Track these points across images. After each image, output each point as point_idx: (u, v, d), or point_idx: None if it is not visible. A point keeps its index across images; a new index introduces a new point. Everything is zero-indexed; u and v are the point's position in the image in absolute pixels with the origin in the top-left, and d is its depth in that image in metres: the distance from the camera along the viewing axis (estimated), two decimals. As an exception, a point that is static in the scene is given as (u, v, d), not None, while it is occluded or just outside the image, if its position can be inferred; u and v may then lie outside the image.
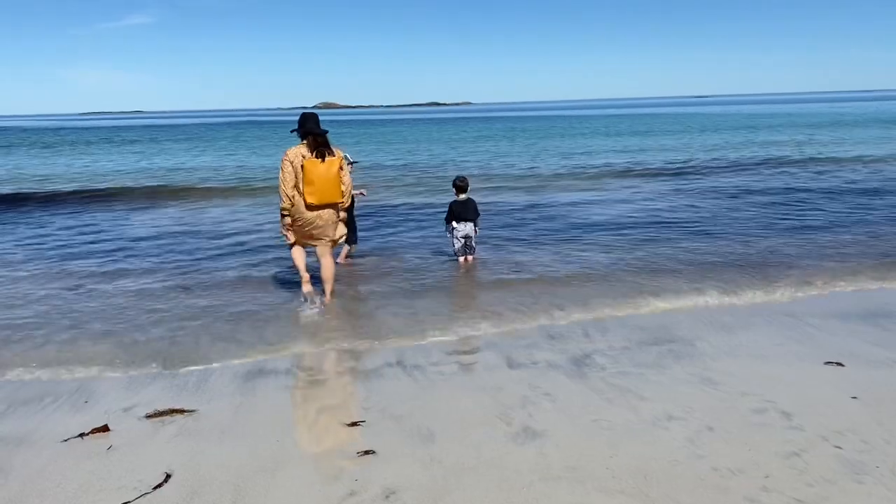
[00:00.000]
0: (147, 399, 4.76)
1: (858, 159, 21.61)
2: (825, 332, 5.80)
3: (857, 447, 3.73)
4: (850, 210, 12.45)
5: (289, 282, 7.91)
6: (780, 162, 21.63)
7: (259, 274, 8.49)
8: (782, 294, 7.12)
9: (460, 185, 8.97)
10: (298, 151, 6.58)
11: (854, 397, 4.40)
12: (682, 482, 3.42)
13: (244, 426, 4.26)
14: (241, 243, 10.61)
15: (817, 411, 4.20)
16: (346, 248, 9.13)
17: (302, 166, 6.53)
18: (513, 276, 8.14)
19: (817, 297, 7.02)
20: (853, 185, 15.76)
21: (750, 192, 15.31)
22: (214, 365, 5.43)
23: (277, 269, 8.64)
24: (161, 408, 4.53)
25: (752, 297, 7.04)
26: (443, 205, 10.28)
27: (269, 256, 9.45)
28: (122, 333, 6.25)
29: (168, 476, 3.62)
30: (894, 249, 9.08)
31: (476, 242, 9.02)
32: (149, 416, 4.42)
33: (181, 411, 4.48)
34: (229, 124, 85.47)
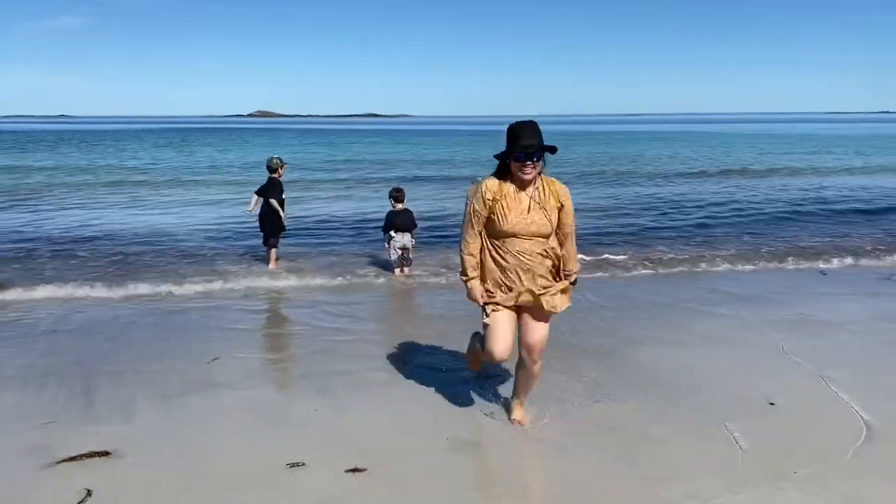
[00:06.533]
0: None
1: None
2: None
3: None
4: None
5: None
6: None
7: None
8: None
9: (397, 195, 8.98)
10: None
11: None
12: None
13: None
14: None
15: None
16: (273, 251, 9.10)
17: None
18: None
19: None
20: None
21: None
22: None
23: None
24: None
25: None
26: (377, 213, 10.27)
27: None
28: None
29: None
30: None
31: (412, 254, 9.03)
32: None
33: None
34: (155, 131, 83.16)
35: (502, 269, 3.98)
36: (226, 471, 3.76)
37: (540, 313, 4.05)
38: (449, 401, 4.73)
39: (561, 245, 4.04)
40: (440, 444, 4.05)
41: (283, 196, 9.20)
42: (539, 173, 3.93)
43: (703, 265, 9.39)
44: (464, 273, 4.09)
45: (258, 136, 66.75)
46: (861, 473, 3.65)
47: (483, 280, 4.06)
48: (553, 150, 3.89)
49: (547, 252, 3.97)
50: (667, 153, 37.54)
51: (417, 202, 13.02)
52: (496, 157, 3.95)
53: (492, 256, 4.00)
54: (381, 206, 9.82)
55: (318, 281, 8.51)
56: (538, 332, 4.08)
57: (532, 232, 3.89)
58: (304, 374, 5.38)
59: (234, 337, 6.33)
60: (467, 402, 4.71)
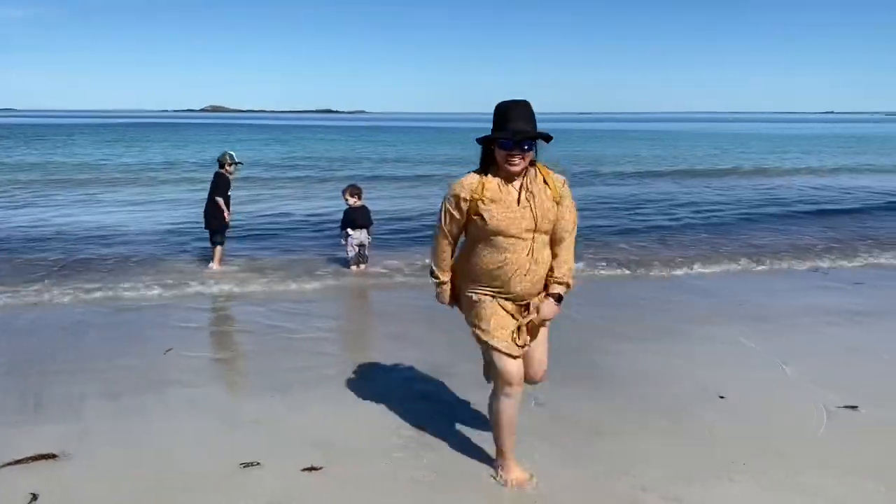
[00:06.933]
0: None
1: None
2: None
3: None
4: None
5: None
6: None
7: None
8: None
9: (354, 192, 8.94)
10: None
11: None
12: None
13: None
14: None
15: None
16: (217, 249, 8.90)
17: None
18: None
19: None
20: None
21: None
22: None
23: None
24: None
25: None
26: (335, 211, 10.19)
27: None
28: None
29: None
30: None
31: (369, 251, 8.99)
32: None
33: None
34: (106, 126, 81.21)
35: (492, 274, 3.35)
36: (178, 472, 3.68)
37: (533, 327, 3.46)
38: (405, 398, 4.71)
39: (553, 246, 3.41)
40: (397, 442, 4.03)
41: (230, 193, 8.99)
42: (531, 164, 3.31)
43: (657, 263, 9.50)
44: (434, 274, 3.60)
45: (212, 132, 65.66)
46: (813, 465, 3.73)
47: (473, 283, 3.42)
48: (548, 138, 3.26)
49: (539, 254, 3.35)
50: (619, 152, 38.13)
51: (375, 201, 13.00)
52: (479, 141, 3.31)
53: (481, 260, 3.35)
54: (338, 204, 9.75)
55: (273, 279, 8.39)
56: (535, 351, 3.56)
57: (524, 228, 3.26)
58: (257, 373, 5.31)
59: (187, 336, 6.22)
60: (424, 399, 4.70)
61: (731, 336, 6.10)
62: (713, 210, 15.34)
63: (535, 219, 3.26)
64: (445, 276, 3.58)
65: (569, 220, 3.39)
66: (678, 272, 9.06)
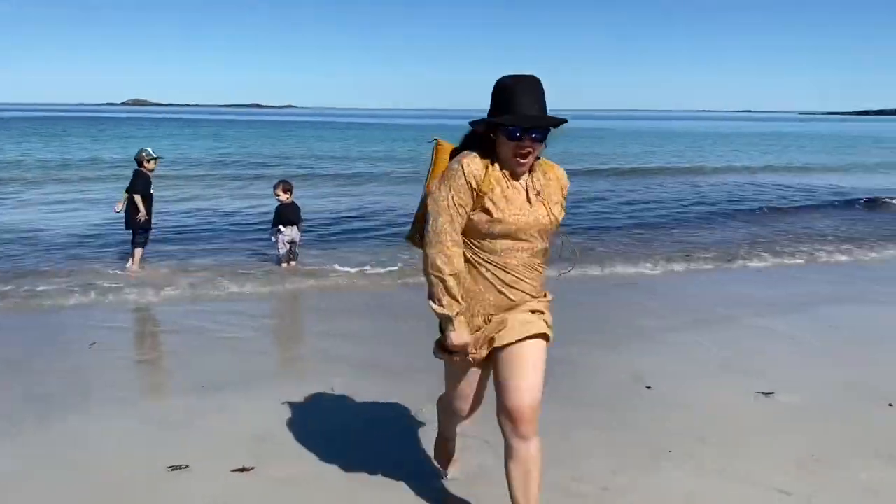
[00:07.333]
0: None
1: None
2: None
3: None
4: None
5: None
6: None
7: None
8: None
9: (287, 188, 8.82)
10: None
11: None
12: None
13: None
14: None
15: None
16: (138, 251, 8.57)
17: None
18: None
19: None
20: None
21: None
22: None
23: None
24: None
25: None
26: (265, 208, 10.02)
27: None
28: None
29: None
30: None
31: (299, 248, 8.88)
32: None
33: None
34: (22, 119, 77.65)
35: (486, 288, 2.64)
36: (102, 478, 3.54)
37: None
38: (336, 395, 4.67)
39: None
40: (329, 439, 3.99)
41: (152, 191, 8.68)
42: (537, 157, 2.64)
43: (602, 259, 9.61)
44: (438, 301, 2.60)
45: (135, 127, 63.48)
46: (736, 450, 3.87)
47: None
48: (560, 122, 2.55)
49: (540, 265, 2.73)
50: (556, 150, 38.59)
51: (309, 199, 12.87)
52: (472, 125, 2.61)
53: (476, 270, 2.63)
54: (268, 202, 9.59)
55: (200, 278, 8.13)
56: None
57: (536, 232, 2.61)
58: (184, 374, 5.18)
59: (109, 337, 6.00)
60: (354, 395, 4.66)
61: (656, 328, 6.28)
62: (637, 208, 15.65)
63: (550, 220, 2.63)
64: (459, 304, 2.62)
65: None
66: (607, 270, 9.20)
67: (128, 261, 8.63)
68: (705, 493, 3.41)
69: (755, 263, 9.54)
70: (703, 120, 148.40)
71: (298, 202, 8.98)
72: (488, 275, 2.62)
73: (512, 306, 2.67)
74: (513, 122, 2.46)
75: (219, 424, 4.21)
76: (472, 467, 3.60)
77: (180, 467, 3.62)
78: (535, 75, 2.56)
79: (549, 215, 2.63)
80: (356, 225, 12.37)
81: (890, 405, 4.49)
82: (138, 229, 8.50)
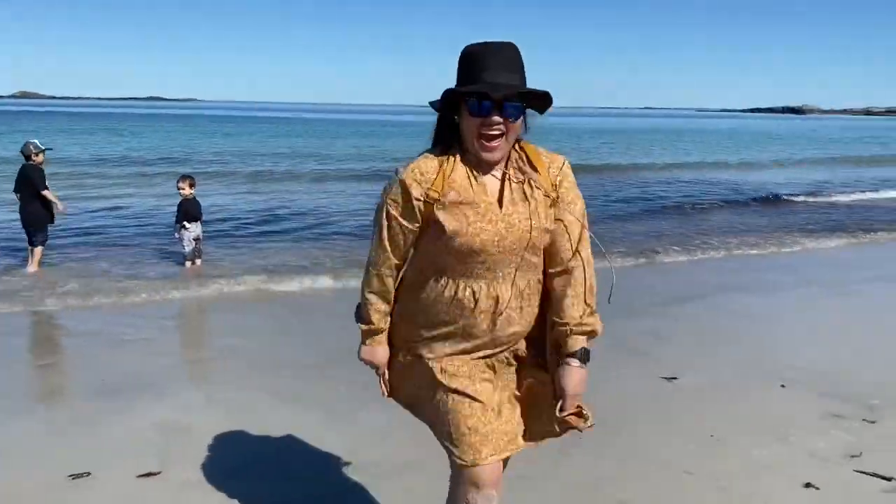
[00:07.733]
0: None
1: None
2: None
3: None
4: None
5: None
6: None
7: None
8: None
9: (192, 182, 8.60)
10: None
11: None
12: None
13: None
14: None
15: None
16: (37, 250, 8.14)
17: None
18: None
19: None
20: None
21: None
22: None
23: None
24: None
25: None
26: (167, 205, 9.69)
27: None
28: None
29: None
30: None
31: (202, 245, 8.66)
32: None
33: None
34: None
35: (459, 311, 2.09)
36: (-3, 489, 3.36)
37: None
38: (242, 395, 4.58)
39: (554, 273, 2.18)
40: (237, 440, 3.91)
41: (47, 184, 8.20)
42: (515, 143, 2.07)
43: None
44: (362, 320, 2.24)
45: (25, 121, 60.02)
46: (645, 430, 4.03)
47: (413, 332, 2.20)
48: (541, 94, 1.97)
49: (536, 283, 2.18)
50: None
51: (212, 196, 12.55)
52: (433, 105, 2.01)
53: (436, 292, 2.09)
54: (171, 199, 9.29)
55: (101, 280, 7.77)
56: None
57: (509, 245, 2.03)
58: (82, 378, 4.97)
59: (5, 343, 5.69)
60: (261, 396, 4.58)
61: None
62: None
63: (524, 229, 2.03)
64: (384, 322, 2.24)
65: (575, 233, 2.13)
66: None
67: (26, 263, 8.17)
68: (613, 477, 3.52)
69: (663, 258, 9.91)
70: (607, 117, 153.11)
71: (202, 199, 8.75)
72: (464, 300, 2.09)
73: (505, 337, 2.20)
74: (476, 90, 1.90)
75: (122, 429, 4.05)
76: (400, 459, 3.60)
77: (82, 475, 3.47)
78: (513, 42, 1.99)
79: (529, 221, 2.03)
80: (266, 228, 12.08)
81: (782, 386, 4.77)
82: (40, 228, 8.06)
